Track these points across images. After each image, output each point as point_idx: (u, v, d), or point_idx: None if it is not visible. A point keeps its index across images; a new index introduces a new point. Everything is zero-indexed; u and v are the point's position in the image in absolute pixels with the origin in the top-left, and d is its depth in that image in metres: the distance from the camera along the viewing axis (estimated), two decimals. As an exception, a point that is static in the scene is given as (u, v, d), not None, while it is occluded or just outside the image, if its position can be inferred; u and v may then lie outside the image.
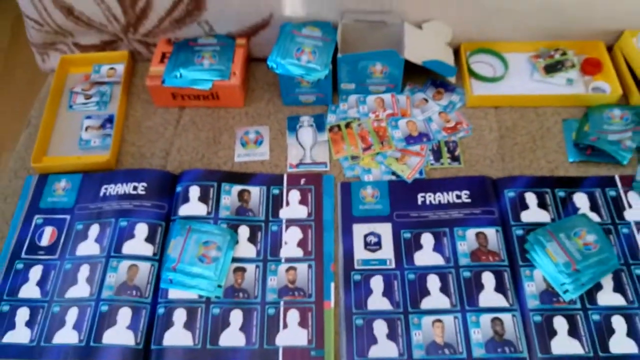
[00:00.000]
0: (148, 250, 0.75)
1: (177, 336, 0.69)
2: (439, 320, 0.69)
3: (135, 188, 0.80)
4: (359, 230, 0.77)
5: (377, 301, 0.71)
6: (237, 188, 0.80)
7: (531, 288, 0.71)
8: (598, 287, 0.71)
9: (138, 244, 0.75)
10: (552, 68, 0.90)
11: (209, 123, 0.89)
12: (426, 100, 0.90)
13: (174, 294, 0.72)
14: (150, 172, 0.82)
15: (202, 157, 0.85)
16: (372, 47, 0.84)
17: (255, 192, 0.80)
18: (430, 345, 0.68)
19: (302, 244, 0.76)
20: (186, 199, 0.79)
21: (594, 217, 0.76)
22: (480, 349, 0.67)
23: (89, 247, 0.76)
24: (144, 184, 0.80)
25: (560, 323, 0.68)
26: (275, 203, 0.79)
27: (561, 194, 0.78)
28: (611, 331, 0.68)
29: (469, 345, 0.67)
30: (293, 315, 0.70)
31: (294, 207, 0.79)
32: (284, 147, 0.86)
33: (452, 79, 0.89)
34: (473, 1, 0.85)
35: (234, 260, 0.74)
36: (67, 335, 0.70)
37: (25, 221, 0.80)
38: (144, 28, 0.91)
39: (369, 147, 0.84)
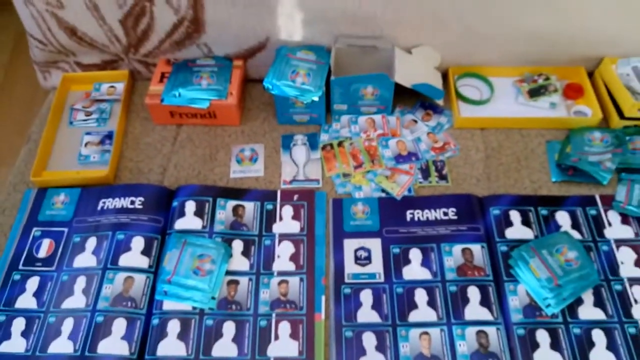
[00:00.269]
0: (144, 262, 0.77)
1: (170, 347, 0.70)
2: (426, 333, 0.71)
3: (132, 202, 0.82)
4: (350, 245, 0.79)
5: (367, 314, 0.73)
6: (231, 203, 0.83)
7: (515, 302, 0.73)
8: (579, 301, 0.73)
9: (134, 257, 0.77)
10: (535, 92, 0.93)
11: (206, 140, 0.92)
12: (415, 122, 0.93)
13: (168, 305, 0.73)
14: (148, 187, 0.85)
15: (199, 173, 0.88)
16: (364, 71, 0.87)
17: (250, 208, 0.83)
18: (417, 357, 0.69)
19: (294, 258, 0.78)
20: (182, 214, 0.81)
21: (576, 234, 0.79)
22: (465, 361, 0.69)
23: (85, 259, 0.78)
24: (141, 199, 0.82)
25: (542, 336, 0.70)
26: (268, 218, 0.82)
27: (544, 212, 0.81)
28: (591, 344, 0.70)
29: (455, 358, 0.69)
30: (284, 327, 0.72)
31: (287, 222, 0.81)
32: (278, 164, 0.88)
33: (440, 102, 0.92)
34: (461, 28, 0.88)
35: (228, 273, 0.76)
36: (62, 345, 0.71)
37: (24, 233, 0.81)
38: (144, 49, 0.94)
39: (360, 165, 0.87)
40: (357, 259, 0.78)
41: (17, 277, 0.77)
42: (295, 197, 0.84)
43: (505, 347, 0.70)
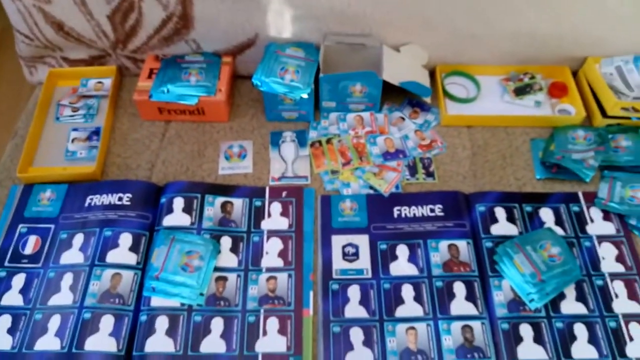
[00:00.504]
0: (132, 259, 0.77)
1: (158, 343, 0.71)
2: (413, 328, 0.72)
3: (120, 199, 0.82)
4: (338, 241, 0.79)
5: (354, 309, 0.74)
6: (220, 200, 0.83)
7: (499, 297, 0.74)
8: (562, 296, 0.74)
9: (122, 253, 0.77)
10: (521, 91, 0.95)
11: (194, 137, 0.92)
12: (403, 119, 0.94)
13: (156, 301, 0.73)
14: (136, 184, 0.84)
15: (187, 169, 0.88)
16: (353, 68, 0.88)
17: (238, 204, 0.83)
18: (404, 352, 0.70)
19: (282, 254, 0.78)
20: (170, 210, 0.81)
21: (559, 230, 0.80)
22: (451, 355, 0.70)
23: (73, 255, 0.77)
24: (129, 195, 0.82)
25: (526, 330, 0.72)
26: (257, 215, 0.82)
27: (528, 208, 0.83)
28: (573, 338, 0.71)
29: (441, 352, 0.70)
30: (273, 323, 0.73)
31: (275, 219, 0.82)
32: (266, 161, 0.89)
33: (428, 99, 0.93)
34: (448, 27, 0.89)
35: (216, 269, 0.76)
36: (49, 342, 0.70)
37: (9, 230, 0.81)
38: (132, 44, 0.94)
39: (348, 162, 0.88)
40: (345, 255, 0.78)
41: (2, 273, 0.77)
42: (284, 193, 0.84)
43: (489, 341, 0.71)
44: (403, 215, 0.82)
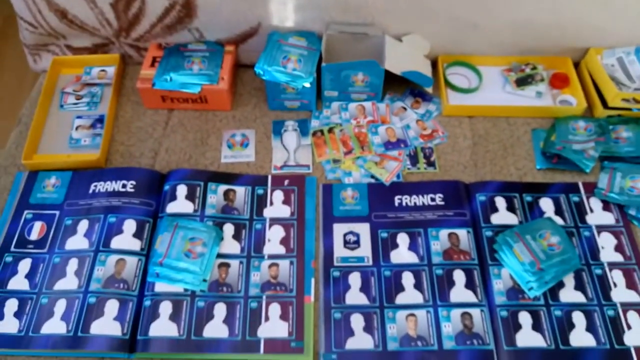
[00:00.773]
0: (136, 245, 0.78)
1: (162, 327, 0.72)
2: (413, 315, 0.73)
3: (124, 186, 0.83)
4: (339, 230, 0.80)
5: (355, 296, 0.75)
6: (223, 187, 0.84)
7: (499, 285, 0.75)
8: (560, 285, 0.75)
9: (126, 239, 0.78)
10: (522, 81, 0.95)
11: (197, 125, 0.92)
12: (405, 109, 0.94)
13: (160, 287, 0.75)
14: (139, 171, 0.85)
15: (190, 157, 0.88)
16: (355, 58, 0.88)
17: (241, 192, 0.84)
18: (403, 338, 0.71)
19: (284, 241, 0.79)
20: (173, 197, 0.82)
21: (559, 220, 0.81)
22: (450, 342, 0.71)
23: (77, 241, 0.78)
24: (133, 182, 0.83)
25: (525, 318, 0.73)
26: (259, 202, 0.83)
27: (528, 198, 0.83)
28: (571, 326, 0.72)
29: (440, 338, 0.71)
30: (274, 309, 0.74)
31: (277, 207, 0.82)
32: (269, 150, 0.89)
33: (429, 89, 0.94)
34: (450, 17, 0.90)
35: (219, 256, 0.77)
36: (55, 326, 0.72)
37: (15, 216, 0.82)
38: (135, 33, 0.94)
39: (350, 151, 0.88)
40: (346, 243, 0.79)
41: (9, 259, 0.78)
42: (286, 182, 0.85)
43: (488, 328, 0.72)
44: (404, 204, 0.83)
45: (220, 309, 0.73)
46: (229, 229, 0.80)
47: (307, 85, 0.87)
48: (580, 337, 0.72)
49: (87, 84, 0.96)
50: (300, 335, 0.72)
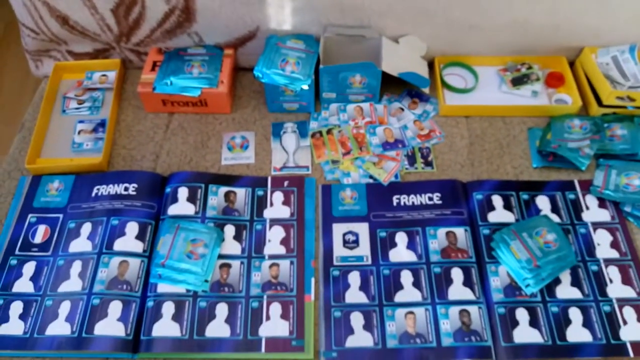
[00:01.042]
0: (138, 247, 0.79)
1: (165, 327, 0.73)
2: (411, 312, 0.74)
3: (126, 189, 0.84)
4: (338, 229, 0.81)
5: (354, 295, 0.76)
6: (223, 189, 0.85)
7: (496, 282, 0.76)
8: (557, 281, 0.76)
9: (129, 241, 0.79)
10: (518, 81, 0.96)
11: (197, 128, 0.93)
12: (402, 109, 0.95)
13: (162, 288, 0.76)
14: (141, 174, 0.86)
15: (190, 160, 0.90)
16: (352, 60, 0.89)
17: (241, 193, 0.85)
18: (402, 335, 0.73)
19: (284, 242, 0.80)
20: (175, 199, 0.83)
21: (555, 218, 0.82)
22: (448, 338, 0.72)
23: (81, 244, 0.80)
24: (135, 185, 0.84)
25: (522, 314, 0.74)
26: (259, 204, 0.84)
27: (525, 196, 0.84)
28: (568, 322, 0.73)
29: (439, 335, 0.72)
30: (275, 308, 0.75)
31: (277, 208, 0.84)
32: (268, 152, 0.90)
33: (426, 90, 0.95)
34: (446, 18, 0.91)
35: (220, 257, 0.78)
36: (59, 327, 0.73)
37: (19, 219, 0.83)
38: (136, 38, 0.96)
39: (348, 152, 0.90)
40: (345, 243, 0.80)
41: (13, 262, 0.79)
42: (286, 183, 0.86)
43: (486, 324, 0.73)
44: (402, 203, 0.84)
45: (222, 309, 0.75)
46: (229, 230, 0.81)
47: (306, 87, 0.88)
48: (577, 333, 0.73)
49: (88, 89, 0.97)
50: (300, 334, 0.73)
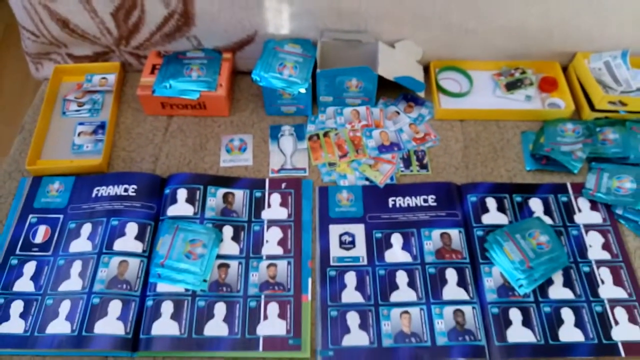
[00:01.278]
0: (138, 247, 0.80)
1: (164, 326, 0.74)
2: (406, 312, 0.75)
3: (126, 190, 0.85)
4: (335, 231, 0.83)
5: (351, 295, 0.77)
6: (222, 191, 0.86)
7: (490, 283, 0.78)
8: (549, 282, 0.77)
9: (128, 242, 0.80)
10: (512, 85, 0.98)
11: (196, 131, 0.95)
12: (398, 113, 0.97)
13: (162, 287, 0.77)
14: (140, 176, 0.88)
15: (189, 162, 0.91)
16: (349, 64, 0.91)
17: (239, 195, 0.86)
18: (398, 335, 0.74)
19: (282, 242, 0.82)
20: (174, 200, 0.84)
21: (547, 220, 0.83)
22: (443, 338, 0.73)
23: (81, 244, 0.81)
24: (134, 186, 0.85)
25: (515, 314, 0.75)
26: (257, 205, 0.85)
27: (518, 199, 0.86)
28: (560, 322, 0.75)
29: (433, 334, 0.74)
30: (273, 308, 0.76)
31: (275, 209, 0.85)
32: (266, 154, 0.92)
33: (422, 94, 0.96)
34: (441, 23, 0.92)
35: (219, 257, 0.80)
36: (60, 326, 0.74)
37: (20, 220, 0.84)
38: (135, 41, 0.97)
39: (345, 154, 0.91)
40: (341, 244, 0.82)
41: (14, 261, 0.80)
42: (283, 185, 0.87)
43: (480, 324, 0.74)
44: (397, 205, 0.85)
45: (220, 308, 0.76)
46: (228, 230, 0.82)
47: (303, 91, 0.90)
48: (569, 333, 0.74)
49: (88, 92, 0.98)
50: (297, 333, 0.74)
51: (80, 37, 0.97)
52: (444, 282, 0.78)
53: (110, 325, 0.73)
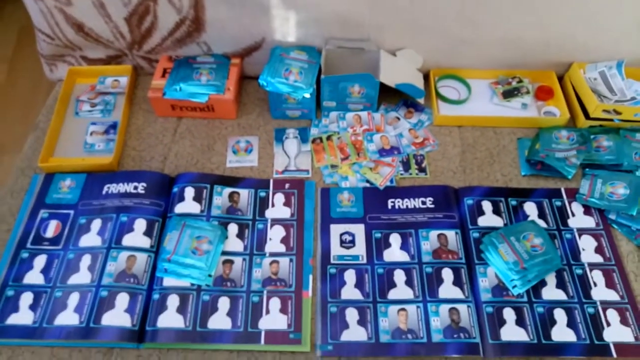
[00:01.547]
0: (146, 242, 0.83)
1: (170, 319, 0.76)
2: (404, 309, 0.78)
3: (135, 188, 0.88)
4: (336, 230, 0.85)
5: (350, 292, 0.79)
6: (228, 190, 0.89)
7: (484, 283, 0.80)
8: (543, 283, 0.79)
9: (137, 237, 0.83)
10: (509, 93, 1.00)
11: (204, 132, 0.98)
12: (398, 119, 1.00)
13: (168, 282, 0.79)
14: (150, 174, 0.90)
15: (197, 162, 0.94)
16: (352, 71, 0.93)
17: (244, 194, 0.89)
18: (395, 331, 0.76)
19: (284, 240, 0.84)
20: (182, 199, 0.87)
21: (542, 223, 0.86)
22: (438, 335, 0.75)
23: (91, 239, 0.83)
24: (144, 184, 0.88)
25: (509, 314, 0.77)
26: (262, 204, 0.88)
27: (513, 202, 0.88)
28: (553, 322, 0.77)
29: (429, 331, 0.76)
30: (275, 303, 0.78)
31: (278, 208, 0.87)
32: (271, 156, 0.95)
33: (422, 101, 0.99)
34: (441, 33, 0.95)
35: (224, 253, 0.82)
36: (68, 317, 0.76)
37: (31, 215, 0.87)
38: (147, 45, 1.00)
39: (346, 157, 0.94)
40: (342, 242, 0.84)
41: (25, 255, 0.83)
42: (287, 185, 0.90)
43: (475, 322, 0.77)
44: (397, 206, 0.88)
45: (224, 303, 0.78)
46: (233, 228, 0.85)
47: (307, 96, 0.93)
48: (562, 333, 0.76)
49: (101, 93, 1.02)
50: (298, 328, 0.76)
51: (95, 41, 1.00)
52: (440, 281, 0.80)
53: (118, 317, 0.76)
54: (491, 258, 0.81)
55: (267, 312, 0.78)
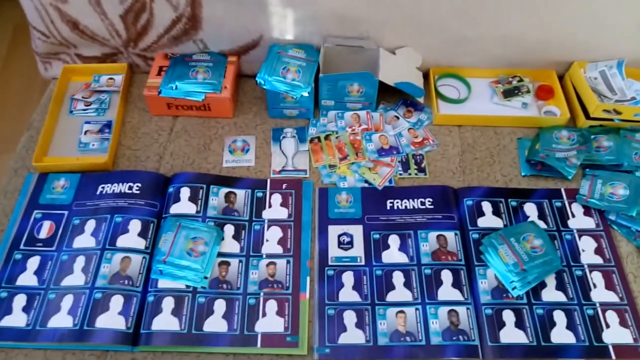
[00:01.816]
0: (140, 244, 0.82)
1: (165, 322, 0.75)
2: (402, 312, 0.77)
3: (130, 188, 0.87)
4: (334, 231, 0.84)
5: (348, 294, 0.78)
6: (224, 190, 0.88)
7: (484, 285, 0.79)
8: (542, 285, 0.79)
9: (131, 238, 0.82)
10: (509, 93, 1.00)
11: (200, 131, 0.97)
12: (397, 118, 0.99)
13: (163, 283, 0.78)
14: (145, 174, 0.89)
15: (193, 162, 0.93)
16: (351, 69, 0.93)
17: (241, 195, 0.88)
18: (393, 334, 0.75)
19: (282, 242, 0.83)
20: (177, 199, 0.86)
21: (542, 224, 0.85)
22: (437, 337, 0.75)
23: (85, 240, 0.82)
24: (139, 184, 0.87)
25: (508, 316, 0.77)
26: (258, 205, 0.87)
27: (513, 203, 0.88)
28: (553, 324, 0.76)
29: (428, 334, 0.75)
30: (271, 305, 0.77)
31: (275, 209, 0.86)
32: (268, 155, 0.94)
33: (421, 100, 0.98)
34: (441, 31, 0.94)
35: (220, 255, 0.81)
36: (62, 320, 0.75)
37: (25, 215, 0.86)
38: (143, 43, 0.99)
39: (345, 157, 0.93)
40: (340, 244, 0.83)
41: (18, 256, 0.82)
42: (284, 185, 0.89)
43: (474, 325, 0.76)
44: (395, 207, 0.87)
45: (220, 305, 0.77)
46: (229, 229, 0.84)
47: (306, 94, 0.92)
48: (561, 335, 0.75)
49: (95, 91, 1.00)
50: (295, 330, 0.75)
51: (90, 39, 0.99)
52: (439, 283, 0.79)
53: (112, 319, 0.75)
54: (491, 259, 0.80)
55: (264, 314, 0.77)
